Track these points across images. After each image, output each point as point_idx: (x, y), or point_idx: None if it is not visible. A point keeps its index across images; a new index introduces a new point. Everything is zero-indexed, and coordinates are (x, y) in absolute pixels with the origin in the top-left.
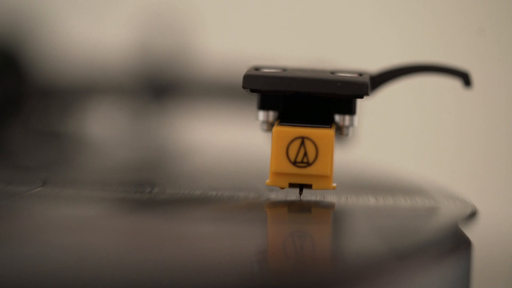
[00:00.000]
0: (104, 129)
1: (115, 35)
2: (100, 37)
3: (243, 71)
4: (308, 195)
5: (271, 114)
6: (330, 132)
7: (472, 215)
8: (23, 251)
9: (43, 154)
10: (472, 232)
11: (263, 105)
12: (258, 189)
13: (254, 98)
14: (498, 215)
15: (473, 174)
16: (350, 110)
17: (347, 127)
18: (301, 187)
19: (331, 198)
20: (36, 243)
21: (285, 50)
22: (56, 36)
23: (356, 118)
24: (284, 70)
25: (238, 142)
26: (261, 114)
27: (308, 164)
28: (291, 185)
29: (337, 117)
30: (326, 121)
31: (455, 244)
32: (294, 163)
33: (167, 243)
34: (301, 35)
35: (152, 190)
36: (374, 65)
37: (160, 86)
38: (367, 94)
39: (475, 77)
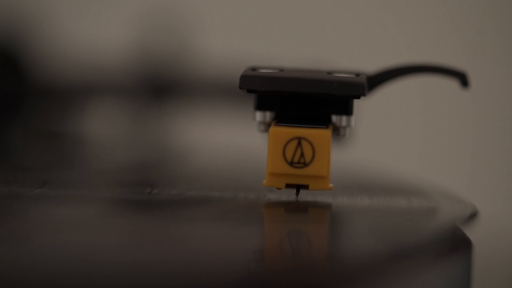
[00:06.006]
0: (104, 129)
1: (115, 35)
2: (100, 37)
3: (242, 71)
4: (305, 196)
5: (268, 115)
6: (326, 132)
7: (473, 215)
8: (23, 251)
9: (43, 154)
10: (472, 233)
11: (260, 106)
12: (256, 189)
13: (253, 99)
14: (498, 216)
15: (473, 174)
16: (347, 110)
17: (344, 127)
18: (298, 187)
19: (328, 198)
20: (36, 243)
21: (283, 50)
22: (56, 36)
23: (353, 118)
24: (281, 70)
25: (236, 143)
26: (258, 115)
27: (305, 164)
28: (288, 186)
29: (334, 118)
30: (323, 121)
31: (455, 244)
32: (291, 163)
33: (166, 243)
34: (299, 35)
35: (151, 190)
36: (372, 65)
37: (160, 86)
38: (364, 95)
39: (473, 78)
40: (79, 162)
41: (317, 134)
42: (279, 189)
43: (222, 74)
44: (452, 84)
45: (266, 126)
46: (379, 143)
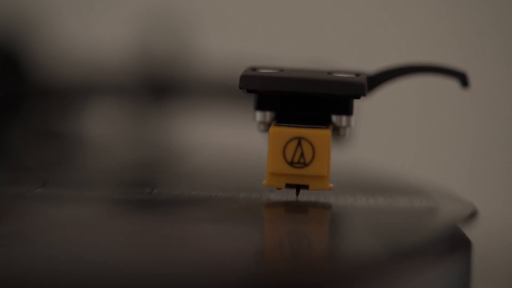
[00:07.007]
0: (104, 129)
1: (115, 35)
2: (100, 37)
3: (242, 71)
4: (306, 196)
5: (268, 115)
6: (326, 132)
7: (472, 215)
8: (23, 251)
9: (43, 154)
10: (472, 232)
11: (260, 106)
12: (257, 189)
13: (253, 99)
14: (498, 215)
15: (473, 174)
16: (347, 110)
17: (344, 127)
18: (298, 187)
19: (328, 198)
20: (36, 243)
21: (283, 50)
22: (56, 36)
23: (353, 118)
24: (281, 70)
25: (237, 143)
26: (258, 115)
27: (305, 164)
28: (288, 186)
29: (334, 118)
30: (323, 121)
31: (455, 244)
32: (291, 163)
33: (167, 243)
34: (299, 35)
35: (152, 190)
36: (372, 65)
37: (160, 86)
38: (364, 95)
39: (473, 78)
40: (79, 162)
41: (317, 134)
42: (279, 189)
43: (222, 74)
44: (452, 84)
45: (266, 126)
46: (379, 143)
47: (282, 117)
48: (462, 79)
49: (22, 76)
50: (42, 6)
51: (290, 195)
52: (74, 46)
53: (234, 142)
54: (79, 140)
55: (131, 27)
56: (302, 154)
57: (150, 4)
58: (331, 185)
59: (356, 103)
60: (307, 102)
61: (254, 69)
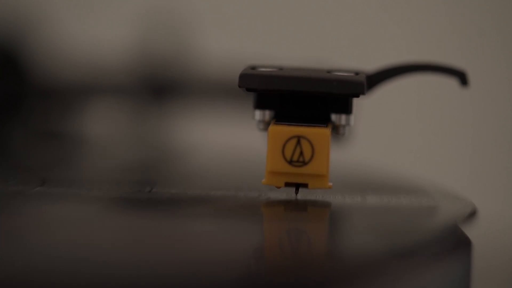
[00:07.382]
0: (104, 129)
1: (115, 35)
2: (100, 37)
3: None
4: (305, 195)
5: (267, 113)
6: (326, 131)
7: (472, 214)
8: (22, 250)
9: (42, 154)
10: (472, 232)
11: (259, 104)
12: (256, 188)
13: (252, 98)
14: (498, 215)
15: (473, 174)
16: (346, 109)
17: (343, 126)
18: (297, 186)
19: (327, 197)
20: (35, 242)
21: (283, 50)
22: (56, 36)
23: (352, 117)
24: (280, 69)
25: (236, 142)
26: (258, 114)
27: (304, 163)
28: (287, 184)
29: (334, 116)
30: (322, 120)
31: (455, 243)
32: (290, 162)
33: (166, 242)
34: (299, 35)
35: (151, 189)
36: (371, 64)
37: (160, 86)
38: (363, 93)
39: (473, 77)
40: (79, 161)
41: (316, 133)
42: (279, 187)
43: (222, 73)
44: (451, 83)
45: (266, 124)
46: (378, 142)
47: (281, 116)
48: (462, 78)
49: (22, 76)
50: (42, 6)
51: (289, 194)
52: (74, 46)
53: (234, 142)
54: (79, 140)
55: (131, 27)
56: (301, 153)
57: (150, 4)
58: (330, 183)
59: (356, 101)
60: (307, 100)
61: (253, 67)
